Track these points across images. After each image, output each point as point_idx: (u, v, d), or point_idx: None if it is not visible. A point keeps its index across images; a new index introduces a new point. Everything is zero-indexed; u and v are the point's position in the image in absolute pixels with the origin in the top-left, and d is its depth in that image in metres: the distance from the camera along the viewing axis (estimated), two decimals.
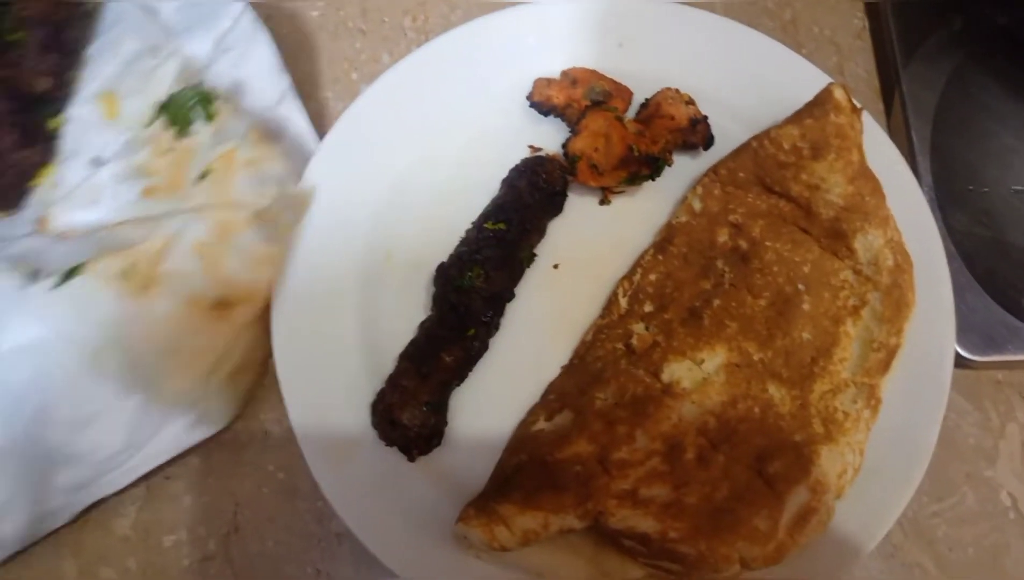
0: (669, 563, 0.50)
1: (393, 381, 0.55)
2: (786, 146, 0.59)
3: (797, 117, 0.60)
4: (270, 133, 0.60)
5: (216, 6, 0.62)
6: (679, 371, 0.55)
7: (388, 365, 0.56)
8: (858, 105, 0.61)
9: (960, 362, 0.59)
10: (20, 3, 0.57)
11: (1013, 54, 0.69)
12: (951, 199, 0.63)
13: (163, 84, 0.59)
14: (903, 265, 0.58)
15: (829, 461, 0.53)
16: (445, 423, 0.56)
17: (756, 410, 0.54)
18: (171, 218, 0.55)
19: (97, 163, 0.57)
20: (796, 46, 0.68)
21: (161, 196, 0.56)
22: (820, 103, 0.60)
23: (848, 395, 0.55)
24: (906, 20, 0.69)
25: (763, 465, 0.52)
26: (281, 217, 0.57)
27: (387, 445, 0.54)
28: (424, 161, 0.63)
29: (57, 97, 0.58)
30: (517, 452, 0.54)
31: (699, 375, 0.55)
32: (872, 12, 0.71)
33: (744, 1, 0.70)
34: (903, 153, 0.63)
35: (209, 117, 0.57)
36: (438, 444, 0.55)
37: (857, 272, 0.58)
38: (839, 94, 0.60)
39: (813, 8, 0.71)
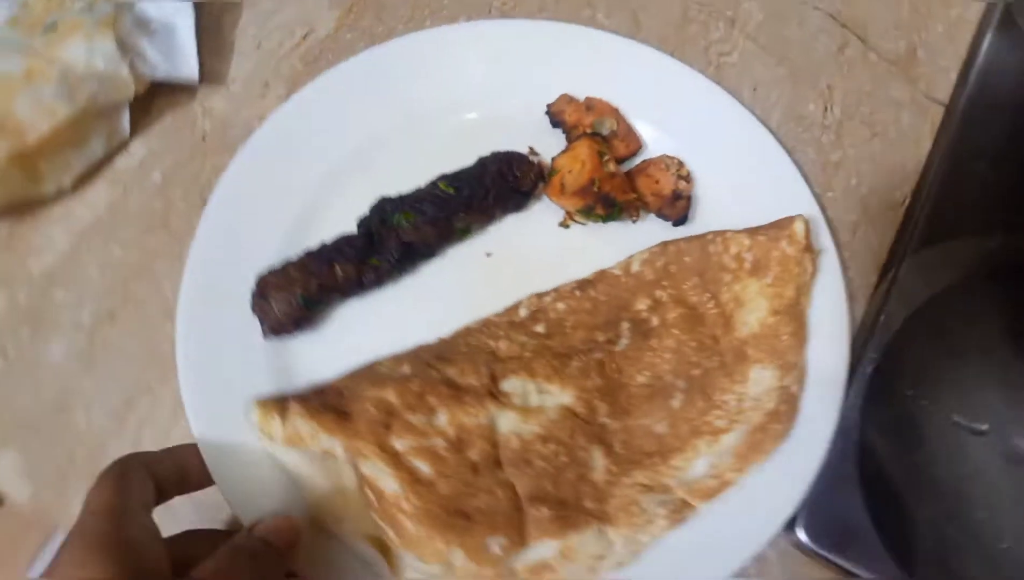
0: (390, 528, 0.50)
1: (285, 265, 0.58)
2: (732, 251, 0.59)
3: (754, 230, 0.59)
4: (150, 29, 0.64)
5: None
6: (519, 387, 0.55)
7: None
8: (816, 247, 0.59)
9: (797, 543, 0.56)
10: None
11: None
12: (881, 396, 0.58)
13: None
14: (782, 417, 0.55)
15: (592, 539, 0.52)
16: (308, 322, 0.58)
17: (564, 459, 0.53)
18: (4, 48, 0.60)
19: None
20: (823, 187, 0.66)
21: (20, 29, 0.61)
22: (780, 226, 0.58)
23: (657, 499, 0.54)
24: (944, 213, 0.64)
25: (531, 503, 0.51)
26: (82, 85, 0.59)
27: (252, 311, 0.57)
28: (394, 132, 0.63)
29: None
30: (349, 377, 0.56)
31: (535, 400, 0.55)
32: (920, 191, 0.67)
33: (797, 125, 0.68)
34: (863, 330, 0.60)
35: None
36: (291, 333, 0.57)
37: (740, 400, 0.56)
38: (798, 227, 0.58)
39: (860, 162, 0.67)
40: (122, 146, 0.64)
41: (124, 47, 0.62)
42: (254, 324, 0.57)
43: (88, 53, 0.60)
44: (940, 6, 0.74)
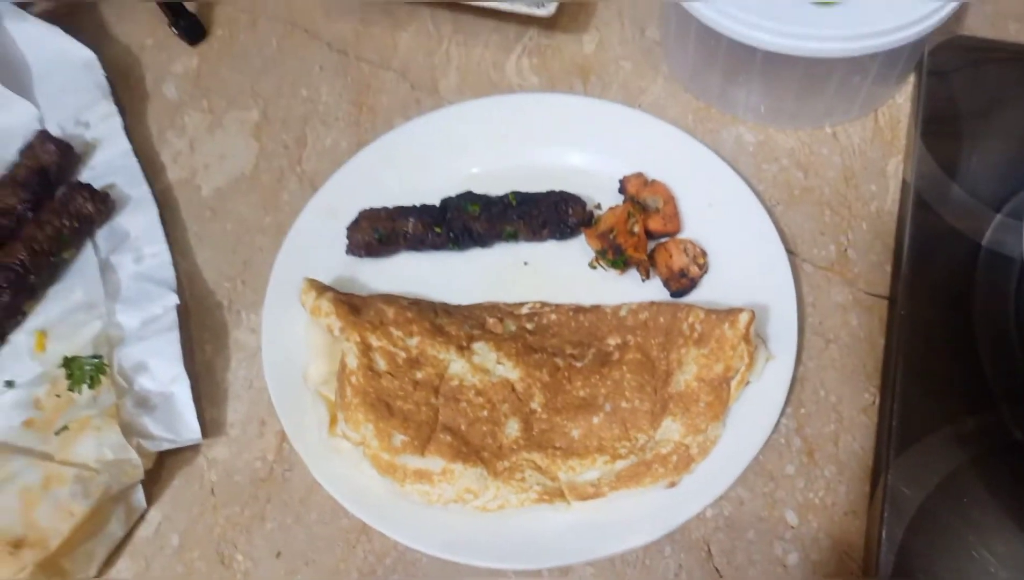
0: (339, 390, 0.66)
1: (383, 208, 0.78)
2: (690, 320, 0.67)
3: (711, 309, 0.67)
4: (150, 405, 0.69)
5: (157, 292, 0.74)
6: (484, 351, 0.68)
7: None
8: (760, 351, 0.66)
9: None
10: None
11: (1020, 473, 0.62)
12: None
13: (85, 339, 0.71)
14: (670, 465, 0.63)
15: (473, 476, 0.63)
16: (378, 253, 0.77)
17: (485, 413, 0.65)
18: (22, 457, 0.65)
19: (9, 385, 0.70)
20: (795, 405, 0.69)
21: (36, 430, 0.67)
22: (730, 312, 0.65)
23: (540, 479, 0.63)
24: (913, 409, 0.65)
25: (443, 428, 0.64)
26: (96, 480, 0.63)
27: (347, 229, 0.78)
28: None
29: (6, 325, 0.73)
30: (379, 294, 0.73)
31: (489, 365, 0.67)
32: (886, 390, 0.69)
33: None
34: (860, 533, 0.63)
35: (92, 385, 0.67)
36: (362, 255, 0.77)
37: (647, 440, 0.65)
38: (742, 317, 0.64)
39: (823, 371, 0.70)
40: (140, 520, 0.66)
41: (129, 431, 0.64)
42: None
43: (98, 448, 0.63)
44: (858, 204, 0.79)
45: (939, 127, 0.80)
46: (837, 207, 0.79)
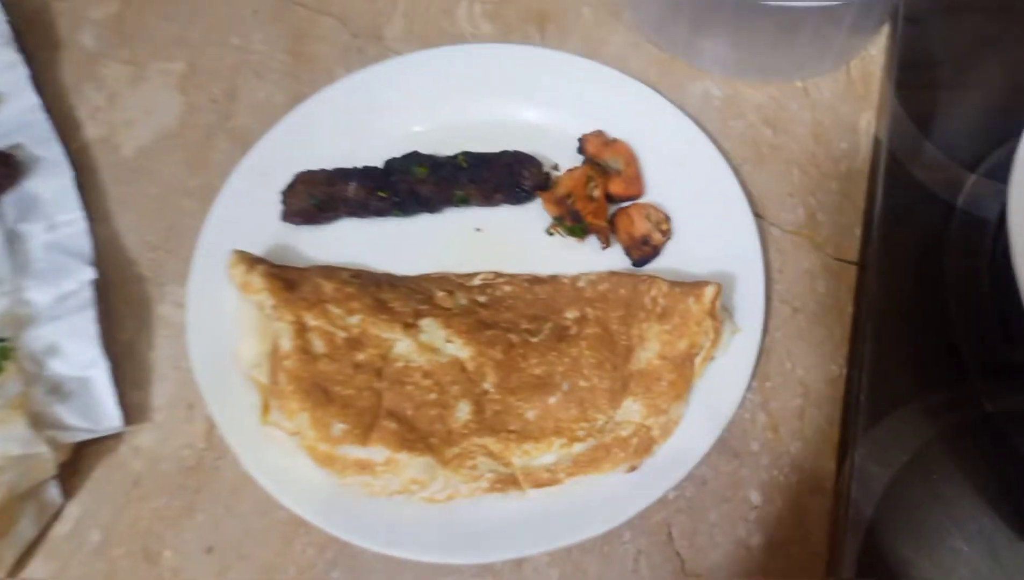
0: (272, 376, 0.61)
1: (320, 170, 0.71)
2: (652, 293, 0.62)
3: (676, 282, 0.62)
4: (64, 392, 0.63)
5: (72, 264, 0.67)
6: (431, 328, 0.63)
7: None
8: (726, 324, 0.62)
9: None
10: None
11: (991, 447, 0.60)
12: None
13: None
14: (630, 448, 0.60)
15: (420, 465, 0.58)
16: (315, 220, 0.70)
17: (433, 396, 0.60)
18: None
19: None
20: (760, 378, 0.65)
21: None
22: (695, 286, 0.61)
23: (493, 465, 0.59)
24: (882, 381, 0.63)
25: (386, 414, 0.59)
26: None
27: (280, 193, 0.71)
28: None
29: None
30: (317, 266, 0.67)
31: (438, 344, 0.62)
32: (854, 361, 0.66)
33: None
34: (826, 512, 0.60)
35: None
36: (298, 223, 0.70)
37: (606, 421, 0.60)
38: (708, 290, 0.60)
39: (789, 342, 0.67)
40: (55, 517, 0.61)
41: (40, 422, 0.58)
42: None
43: (2, 443, 0.57)
44: (828, 163, 0.74)
45: (914, 80, 0.75)
46: (806, 166, 0.74)
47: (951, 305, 0.66)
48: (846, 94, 0.77)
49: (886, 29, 0.79)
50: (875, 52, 0.79)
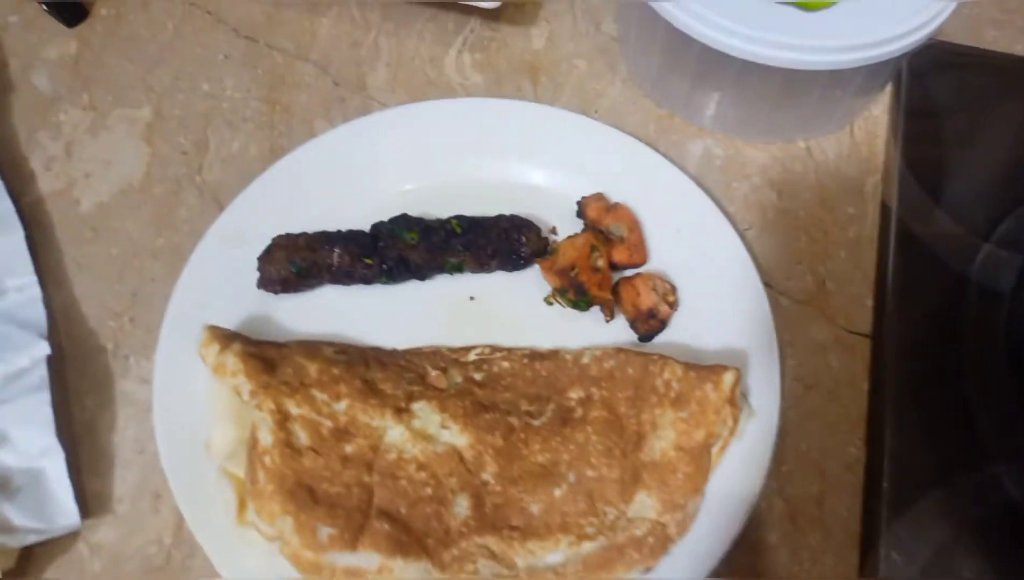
0: (249, 473, 0.55)
1: (301, 234, 0.66)
2: (665, 376, 0.58)
3: (691, 365, 0.58)
4: (11, 488, 0.57)
5: (23, 338, 0.61)
6: (425, 412, 0.58)
7: None
8: (741, 408, 0.58)
9: None
10: None
11: (1018, 540, 0.57)
12: None
13: None
14: (644, 549, 0.55)
15: (415, 571, 0.53)
16: (295, 288, 0.65)
17: (429, 491, 0.55)
18: None
19: None
20: (777, 459, 0.61)
21: None
22: (712, 370, 0.57)
23: (495, 568, 0.54)
24: (904, 467, 0.59)
25: (379, 514, 0.54)
26: None
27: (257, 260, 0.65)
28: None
29: None
30: (298, 342, 0.61)
31: (432, 430, 0.57)
32: (873, 443, 0.63)
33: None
34: None
35: None
36: (277, 291, 0.65)
37: (617, 517, 0.56)
38: (727, 377, 0.56)
39: (804, 422, 0.63)
40: None
41: None
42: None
43: None
44: (836, 229, 0.71)
45: (920, 142, 0.73)
46: (814, 232, 0.71)
47: (970, 383, 0.63)
48: (851, 156, 0.75)
49: (889, 88, 0.77)
50: (878, 112, 0.77)
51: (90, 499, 0.59)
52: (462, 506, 0.55)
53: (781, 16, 0.63)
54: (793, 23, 0.63)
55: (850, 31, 0.62)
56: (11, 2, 0.81)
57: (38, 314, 0.63)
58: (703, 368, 0.58)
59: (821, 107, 0.71)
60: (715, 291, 0.65)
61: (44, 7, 0.79)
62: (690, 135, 0.75)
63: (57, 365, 0.63)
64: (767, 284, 0.67)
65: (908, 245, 0.68)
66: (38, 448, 0.58)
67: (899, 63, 0.72)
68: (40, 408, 0.59)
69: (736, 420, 0.56)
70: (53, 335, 0.64)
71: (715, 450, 0.57)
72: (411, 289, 0.66)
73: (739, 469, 0.58)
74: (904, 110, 0.74)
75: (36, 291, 0.64)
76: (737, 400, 0.56)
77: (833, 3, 0.63)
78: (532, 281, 0.67)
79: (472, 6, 0.73)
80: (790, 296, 0.68)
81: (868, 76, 0.68)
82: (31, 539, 0.55)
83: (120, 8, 0.82)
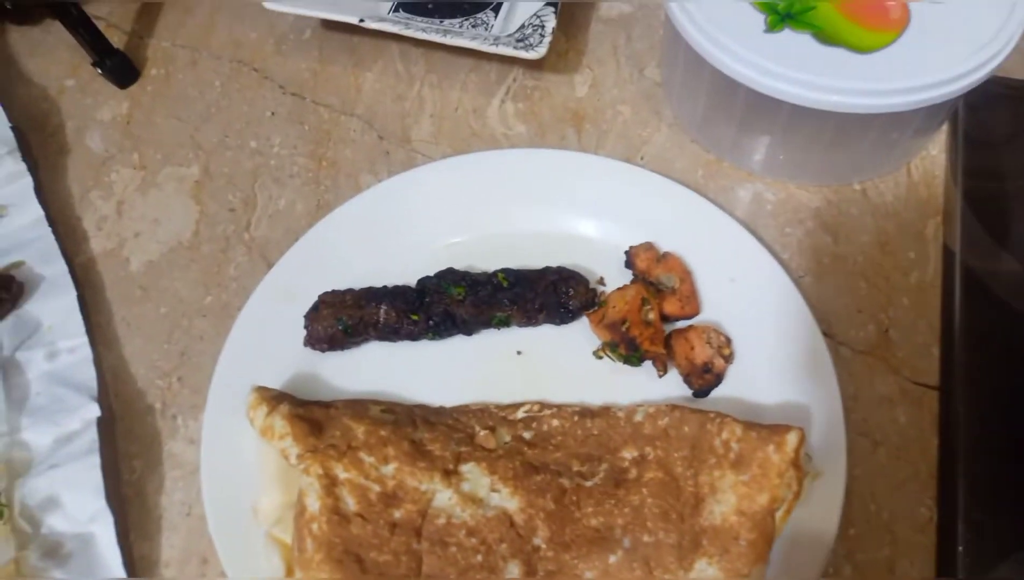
0: (297, 541, 0.54)
1: (346, 290, 0.65)
2: (723, 436, 0.56)
3: (752, 424, 0.55)
4: (62, 554, 0.56)
5: (75, 400, 0.61)
6: (474, 475, 0.56)
7: None
8: (806, 469, 0.55)
9: None
10: None
11: None
12: None
13: None
14: None
15: None
16: (342, 345, 0.64)
17: (479, 559, 0.53)
18: None
19: None
20: (844, 521, 0.58)
21: None
22: (774, 431, 0.55)
23: None
24: (980, 529, 0.56)
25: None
26: None
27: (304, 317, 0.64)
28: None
29: None
30: (345, 402, 0.60)
31: (482, 493, 0.56)
32: (946, 503, 0.60)
33: None
34: None
35: None
36: (323, 349, 0.64)
37: None
38: (790, 438, 0.54)
39: (872, 481, 0.60)
40: None
41: None
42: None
43: None
44: (897, 274, 0.68)
45: (981, 181, 0.70)
46: (874, 278, 0.68)
47: None
48: (909, 197, 0.72)
49: (945, 127, 0.74)
50: (935, 152, 0.74)
51: (138, 562, 0.59)
52: (513, 573, 0.53)
53: (832, 59, 0.61)
54: (845, 66, 0.61)
55: (907, 72, 0.60)
56: (68, 66, 0.83)
57: (89, 375, 0.63)
58: (764, 428, 0.55)
59: (877, 149, 0.69)
60: (772, 342, 0.63)
61: (98, 70, 0.81)
62: (739, 180, 0.73)
63: (106, 426, 0.63)
64: (826, 334, 0.64)
65: (974, 289, 0.65)
66: (88, 513, 0.57)
67: (957, 101, 0.70)
68: (90, 472, 0.58)
69: (801, 483, 0.53)
70: (102, 396, 0.64)
71: (779, 515, 0.54)
72: (458, 344, 0.65)
73: (805, 534, 0.55)
74: (963, 147, 0.72)
75: (87, 352, 0.65)
76: (802, 462, 0.54)
77: (887, 45, 0.61)
78: (581, 334, 0.65)
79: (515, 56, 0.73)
80: (851, 346, 0.65)
81: (926, 116, 0.66)
82: None
83: (169, 68, 0.84)
